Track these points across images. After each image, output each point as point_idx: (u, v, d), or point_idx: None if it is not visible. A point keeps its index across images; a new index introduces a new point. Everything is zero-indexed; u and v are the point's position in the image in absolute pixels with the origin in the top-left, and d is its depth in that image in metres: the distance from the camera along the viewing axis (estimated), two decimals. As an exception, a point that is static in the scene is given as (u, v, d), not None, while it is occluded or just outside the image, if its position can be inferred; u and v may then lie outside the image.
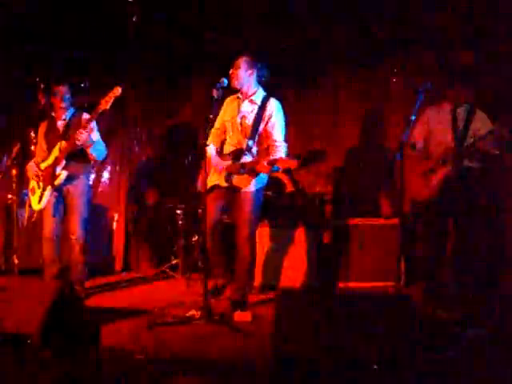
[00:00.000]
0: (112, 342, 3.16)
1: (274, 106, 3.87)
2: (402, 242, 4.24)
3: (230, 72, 3.88)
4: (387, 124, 5.39)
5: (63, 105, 4.35)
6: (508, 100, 4.49)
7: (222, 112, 4.08)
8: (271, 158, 3.73)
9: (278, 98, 3.99)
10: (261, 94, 3.92)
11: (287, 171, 5.35)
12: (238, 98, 3.97)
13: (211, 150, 4.06)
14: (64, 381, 2.63)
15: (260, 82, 3.96)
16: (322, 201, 5.22)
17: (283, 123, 3.92)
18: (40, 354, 2.75)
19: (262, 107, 3.86)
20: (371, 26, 5.04)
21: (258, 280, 4.65)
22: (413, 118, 3.55)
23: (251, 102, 3.90)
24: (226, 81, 3.81)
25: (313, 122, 5.49)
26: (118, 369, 2.83)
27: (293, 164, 3.62)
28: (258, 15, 5.08)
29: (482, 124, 4.04)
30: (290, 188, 5.18)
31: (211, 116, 3.80)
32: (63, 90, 4.34)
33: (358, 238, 4.74)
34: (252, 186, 3.88)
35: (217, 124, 4.09)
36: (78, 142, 4.13)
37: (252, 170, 3.81)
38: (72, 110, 4.44)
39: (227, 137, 4.04)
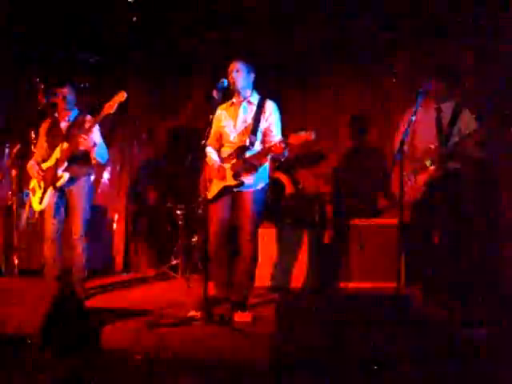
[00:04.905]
0: (112, 343, 3.16)
1: (271, 106, 3.94)
2: (401, 242, 4.23)
3: (231, 75, 3.86)
4: (387, 124, 5.39)
5: (66, 106, 4.34)
6: (494, 99, 4.47)
7: (216, 120, 3.98)
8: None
9: (278, 98, 4.02)
10: (255, 95, 3.99)
11: (288, 171, 5.37)
12: (233, 102, 3.98)
13: (211, 150, 4.02)
14: (64, 381, 2.63)
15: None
16: (321, 201, 5.22)
17: (280, 122, 3.98)
18: (40, 354, 2.76)
19: (261, 107, 3.91)
20: (371, 25, 5.04)
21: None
22: (413, 118, 3.55)
23: (249, 103, 3.95)
24: (226, 81, 3.83)
25: (313, 122, 5.48)
26: (118, 369, 2.83)
27: (309, 136, 3.59)
28: (258, 15, 5.08)
29: (467, 124, 3.97)
30: (290, 189, 5.17)
31: (212, 116, 3.80)
32: (66, 91, 4.33)
33: (358, 238, 4.75)
34: (255, 185, 3.88)
35: (212, 132, 4.00)
36: (81, 147, 4.12)
37: (259, 158, 3.79)
38: (76, 111, 4.43)
39: (224, 142, 4.00)
